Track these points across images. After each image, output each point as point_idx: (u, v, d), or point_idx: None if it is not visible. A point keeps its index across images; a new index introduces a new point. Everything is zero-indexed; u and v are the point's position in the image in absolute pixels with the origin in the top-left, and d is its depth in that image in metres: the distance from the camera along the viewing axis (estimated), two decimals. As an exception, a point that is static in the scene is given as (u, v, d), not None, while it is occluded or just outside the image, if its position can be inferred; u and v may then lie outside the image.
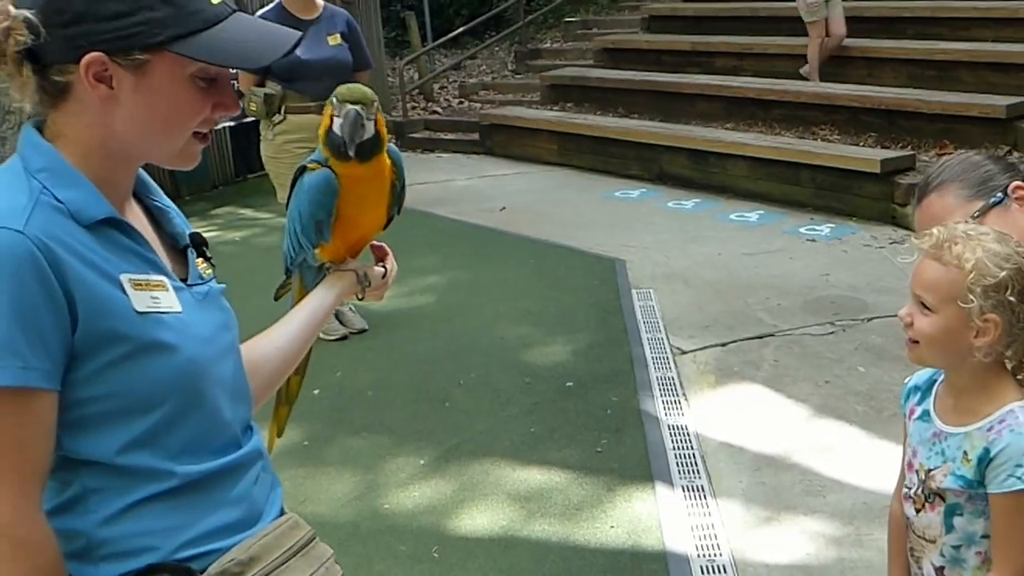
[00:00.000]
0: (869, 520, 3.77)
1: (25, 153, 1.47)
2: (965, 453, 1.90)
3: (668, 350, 5.56)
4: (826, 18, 10.13)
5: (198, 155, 1.59)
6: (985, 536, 1.94)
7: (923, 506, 2.00)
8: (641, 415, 4.79)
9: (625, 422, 4.74)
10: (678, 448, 4.46)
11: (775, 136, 9.61)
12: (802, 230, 7.87)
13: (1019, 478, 1.82)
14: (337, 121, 1.96)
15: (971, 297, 1.81)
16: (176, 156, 1.56)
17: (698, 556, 3.64)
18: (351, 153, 1.96)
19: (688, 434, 4.59)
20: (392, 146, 2.09)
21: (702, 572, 3.55)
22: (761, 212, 8.49)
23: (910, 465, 2.07)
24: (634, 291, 6.56)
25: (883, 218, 7.92)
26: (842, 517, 3.84)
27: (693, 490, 4.10)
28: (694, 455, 4.39)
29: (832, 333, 5.69)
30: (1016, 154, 8.31)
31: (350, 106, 1.94)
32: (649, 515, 3.94)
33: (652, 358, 5.46)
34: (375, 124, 1.98)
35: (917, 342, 1.92)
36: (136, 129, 1.49)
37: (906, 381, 2.17)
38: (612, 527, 3.88)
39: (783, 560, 3.61)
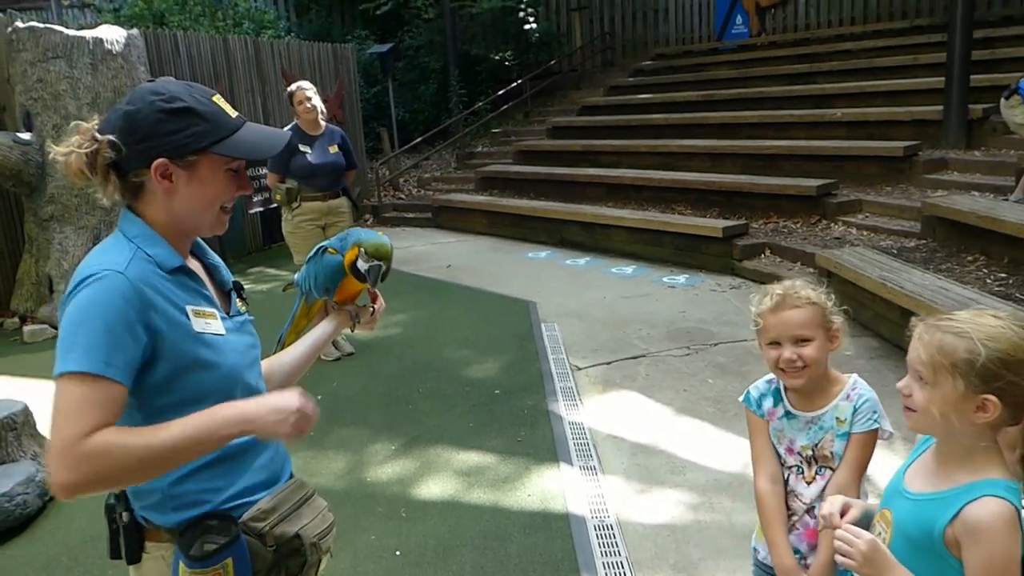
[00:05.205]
0: (718, 491, 3.82)
1: (124, 225, 1.56)
2: (837, 419, 1.97)
3: (568, 367, 5.58)
4: None
5: (226, 223, 1.65)
6: None
7: (814, 479, 1.99)
8: (549, 414, 4.79)
9: (537, 419, 4.73)
10: (576, 438, 4.46)
11: (644, 211, 9.74)
12: (665, 279, 7.94)
13: (875, 420, 1.94)
14: (363, 264, 1.93)
15: (832, 319, 1.97)
16: (212, 225, 1.62)
17: (592, 517, 3.64)
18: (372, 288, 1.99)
19: (583, 428, 4.60)
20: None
21: (595, 529, 3.54)
22: (635, 267, 8.56)
23: (790, 451, 2.04)
24: (543, 324, 6.58)
25: (724, 270, 8.01)
26: (697, 489, 3.86)
27: (587, 469, 4.11)
28: (588, 443, 4.40)
29: (688, 355, 5.73)
30: (824, 222, 8.52)
31: (377, 262, 1.93)
32: (556, 487, 3.94)
33: (556, 373, 5.46)
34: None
35: (807, 366, 1.95)
36: (188, 208, 1.56)
37: (746, 392, 2.14)
38: (529, 495, 3.87)
39: (654, 521, 3.61)
